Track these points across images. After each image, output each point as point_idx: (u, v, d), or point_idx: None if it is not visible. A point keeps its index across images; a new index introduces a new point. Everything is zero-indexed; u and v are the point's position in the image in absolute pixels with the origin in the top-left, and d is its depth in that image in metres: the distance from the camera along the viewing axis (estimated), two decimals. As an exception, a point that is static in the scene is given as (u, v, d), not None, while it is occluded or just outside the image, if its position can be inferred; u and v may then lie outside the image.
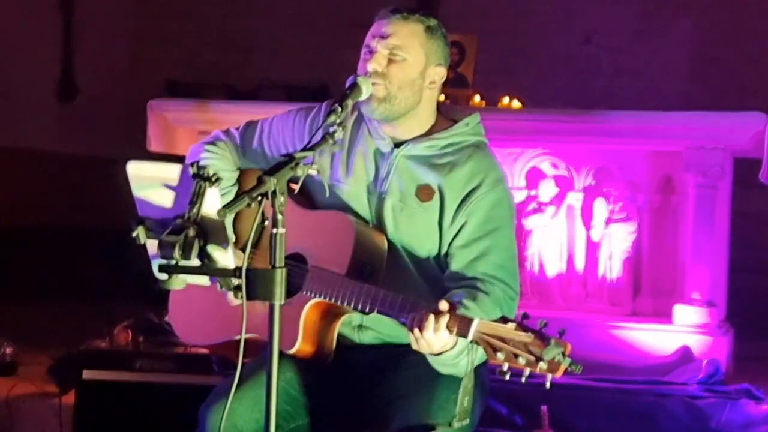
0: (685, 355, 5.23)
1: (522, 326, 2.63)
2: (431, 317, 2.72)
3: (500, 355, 2.63)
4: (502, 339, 2.63)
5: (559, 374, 2.58)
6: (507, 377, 2.64)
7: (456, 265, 3.06)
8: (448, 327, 2.70)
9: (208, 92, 8.50)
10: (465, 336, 2.68)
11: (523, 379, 2.62)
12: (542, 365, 2.58)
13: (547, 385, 2.61)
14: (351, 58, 3.23)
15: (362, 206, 3.16)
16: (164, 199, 2.66)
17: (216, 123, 5.60)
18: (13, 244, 8.37)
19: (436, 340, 2.73)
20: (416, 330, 2.75)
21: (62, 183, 8.90)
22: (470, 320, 2.69)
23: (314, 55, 9.36)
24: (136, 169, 2.71)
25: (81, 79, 9.34)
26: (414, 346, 2.80)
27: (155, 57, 9.92)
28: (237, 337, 2.63)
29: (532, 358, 2.59)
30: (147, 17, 9.97)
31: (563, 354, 2.57)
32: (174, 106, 5.89)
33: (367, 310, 2.91)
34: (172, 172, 2.66)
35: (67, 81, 9.29)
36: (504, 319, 2.66)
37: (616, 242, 5.54)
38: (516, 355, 2.61)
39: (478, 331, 2.67)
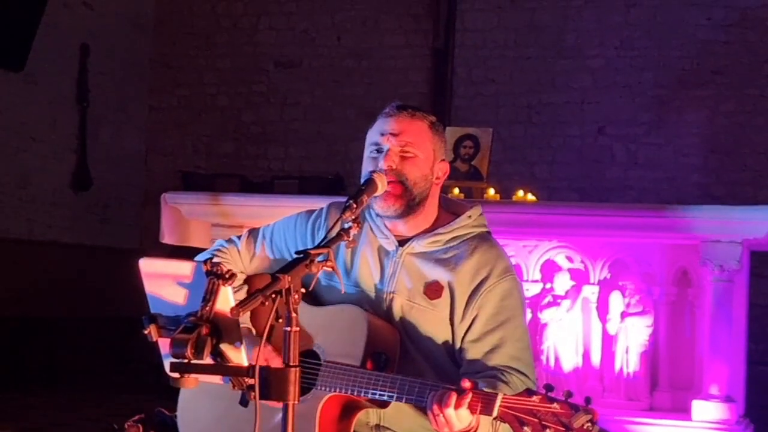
0: (704, 451, 5.15)
1: (548, 398, 2.59)
2: (453, 394, 2.67)
3: (527, 429, 2.58)
4: (528, 412, 2.59)
5: None
6: None
7: (470, 359, 3.02)
8: (470, 406, 2.65)
9: (223, 183, 8.55)
10: (490, 413, 2.63)
11: None
12: None
13: None
14: (364, 150, 3.21)
15: (370, 305, 3.12)
16: (177, 296, 2.62)
17: (229, 216, 5.61)
18: (24, 334, 8.35)
19: (456, 419, 2.68)
20: (436, 407, 2.70)
21: (74, 273, 8.91)
22: (494, 396, 2.65)
23: (328, 147, 9.41)
24: (148, 266, 2.68)
25: (95, 170, 9.39)
26: (433, 426, 2.74)
27: (169, 148, 9.99)
28: None
29: (561, 428, 2.54)
30: (161, 109, 10.05)
31: (592, 422, 2.52)
32: (187, 199, 5.88)
33: (385, 398, 2.85)
34: (184, 269, 2.63)
35: (82, 172, 9.34)
36: (529, 392, 2.62)
37: (633, 336, 5.48)
38: (544, 427, 2.56)
39: (502, 406, 2.62)
